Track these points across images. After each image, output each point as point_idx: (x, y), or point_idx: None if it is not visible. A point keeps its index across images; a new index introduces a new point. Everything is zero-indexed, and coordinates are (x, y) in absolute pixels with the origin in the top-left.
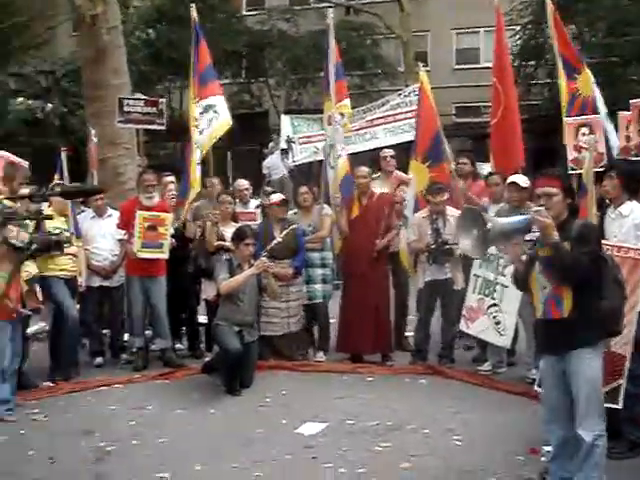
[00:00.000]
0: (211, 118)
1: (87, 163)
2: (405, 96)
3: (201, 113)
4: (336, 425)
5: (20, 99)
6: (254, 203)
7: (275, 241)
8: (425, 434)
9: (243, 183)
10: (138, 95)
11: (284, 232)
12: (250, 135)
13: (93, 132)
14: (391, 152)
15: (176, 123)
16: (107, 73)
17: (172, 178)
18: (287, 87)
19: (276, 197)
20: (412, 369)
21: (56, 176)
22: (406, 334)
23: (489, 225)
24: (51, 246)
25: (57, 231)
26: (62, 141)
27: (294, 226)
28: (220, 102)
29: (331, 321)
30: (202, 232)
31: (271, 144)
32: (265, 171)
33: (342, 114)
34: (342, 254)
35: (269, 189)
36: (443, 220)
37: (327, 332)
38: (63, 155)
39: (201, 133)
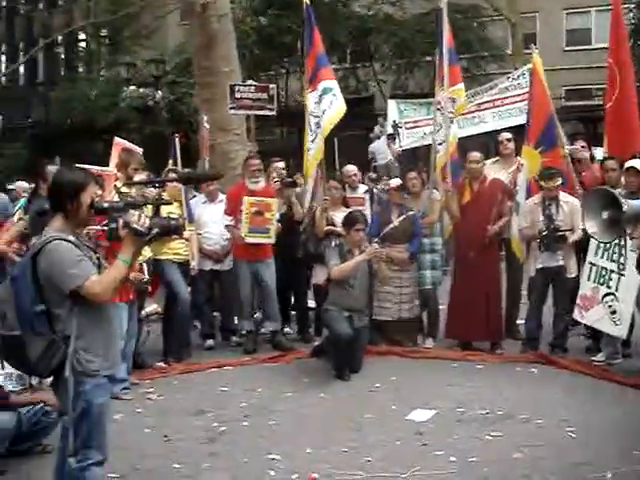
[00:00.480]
0: (331, 100)
1: (197, 149)
2: (514, 79)
3: (320, 96)
4: (446, 412)
5: (131, 87)
6: (363, 188)
7: (391, 225)
8: (537, 424)
9: (351, 169)
10: (249, 81)
11: (401, 217)
12: (356, 120)
13: (205, 118)
14: (508, 135)
15: (285, 109)
16: (217, 60)
17: (282, 164)
18: (393, 71)
19: (394, 182)
20: (523, 357)
21: (170, 161)
22: (517, 322)
23: (624, 207)
24: (171, 231)
25: (174, 216)
26: (172, 128)
27: (412, 212)
28: (336, 86)
29: (440, 307)
30: (312, 217)
31: (377, 129)
32: (370, 156)
33: (453, 99)
34: (452, 239)
35: (373, 175)
36: (556, 206)
37: (436, 318)
38: (176, 141)
39: (320, 116)
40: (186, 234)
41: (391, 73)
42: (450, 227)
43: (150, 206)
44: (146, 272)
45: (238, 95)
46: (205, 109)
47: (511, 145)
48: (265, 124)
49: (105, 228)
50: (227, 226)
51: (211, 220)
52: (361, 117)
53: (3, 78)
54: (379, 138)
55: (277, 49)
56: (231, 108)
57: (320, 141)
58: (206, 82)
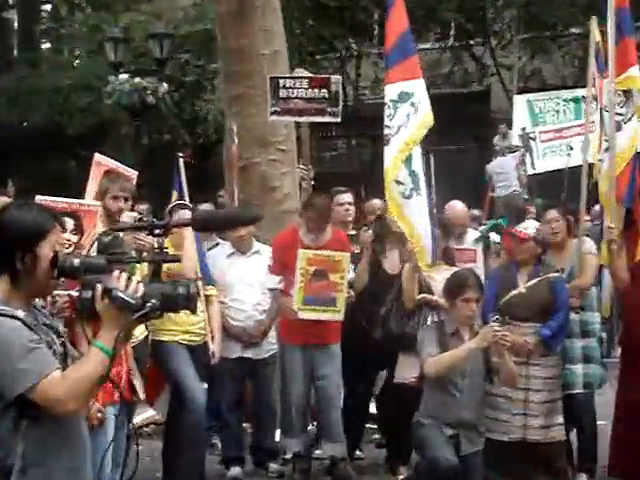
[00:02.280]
0: (408, 113)
1: (219, 172)
2: None
3: (394, 103)
4: None
5: (122, 76)
6: (473, 235)
7: (516, 291)
8: None
9: (459, 208)
10: (300, 71)
11: (533, 280)
12: (462, 127)
13: (234, 127)
14: None
15: (354, 110)
16: (255, 37)
17: (348, 196)
18: (521, 52)
19: (528, 226)
20: None
21: (174, 193)
22: None
23: None
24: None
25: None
26: (183, 135)
27: (554, 274)
28: (419, 88)
29: (600, 423)
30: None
31: (497, 139)
32: (488, 180)
33: (626, 92)
34: (618, 317)
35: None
36: None
37: (593, 444)
38: (180, 164)
39: (394, 134)
40: (202, 302)
41: (518, 55)
42: (613, 296)
43: (146, 264)
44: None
45: (284, 92)
46: (234, 112)
47: None
48: (324, 133)
49: (77, 294)
50: (271, 291)
51: (242, 281)
52: (471, 122)
53: None
54: (503, 154)
55: (342, 24)
56: (273, 113)
57: (392, 166)
58: (235, 71)
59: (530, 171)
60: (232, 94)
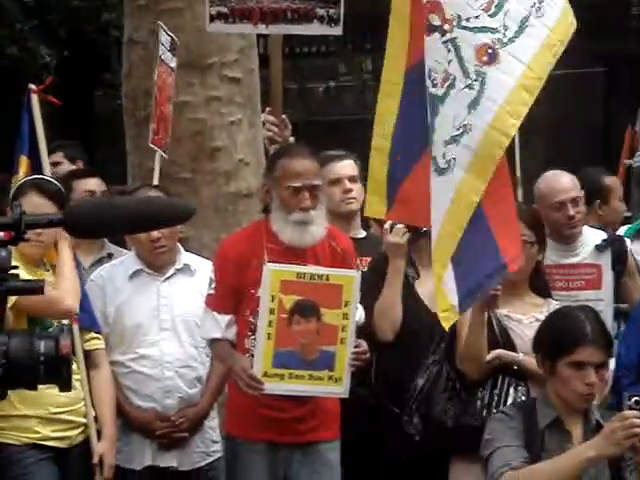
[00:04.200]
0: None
1: (113, 119)
2: None
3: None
4: None
5: None
6: (591, 238)
7: None
8: None
9: (564, 179)
10: None
11: None
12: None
13: (165, 38)
14: None
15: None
16: None
17: (351, 166)
18: None
19: None
20: None
21: (22, 159)
22: None
23: None
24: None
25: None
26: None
27: None
28: None
29: None
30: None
31: None
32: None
33: None
34: None
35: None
36: None
37: None
38: (33, 100)
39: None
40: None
41: None
42: None
43: None
44: None
45: None
46: (140, 5)
47: None
48: (310, 49)
49: None
50: (213, 343)
51: (155, 323)
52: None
53: None
54: None
55: None
56: (215, 18)
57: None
58: None
59: None
60: None
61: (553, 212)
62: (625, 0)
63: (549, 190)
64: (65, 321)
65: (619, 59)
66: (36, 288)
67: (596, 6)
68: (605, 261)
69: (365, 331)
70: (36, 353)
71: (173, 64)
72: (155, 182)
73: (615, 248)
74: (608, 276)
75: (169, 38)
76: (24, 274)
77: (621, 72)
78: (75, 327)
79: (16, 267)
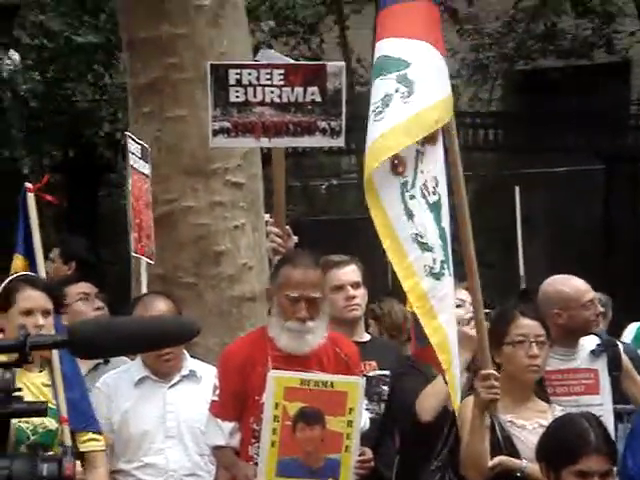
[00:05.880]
0: (389, 93)
1: (111, 219)
2: None
3: (377, 71)
4: None
5: None
6: (587, 343)
7: None
8: None
9: (577, 283)
10: (269, 54)
11: None
12: (574, 128)
13: (143, 142)
14: None
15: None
16: None
17: (354, 271)
18: None
19: None
20: None
21: (16, 257)
22: None
23: None
24: None
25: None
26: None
27: None
28: (427, 59)
29: None
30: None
31: None
32: None
33: None
34: None
35: None
36: None
37: None
38: (29, 201)
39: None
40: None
41: None
42: None
43: None
44: None
45: (238, 94)
46: (144, 113)
47: None
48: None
49: None
50: (217, 450)
51: (161, 430)
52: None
53: None
54: None
55: None
56: (218, 132)
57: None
58: (143, 39)
59: None
60: (140, 82)
61: (584, 311)
62: (624, 100)
63: (576, 292)
64: (68, 442)
65: (618, 157)
66: (40, 410)
67: (596, 106)
68: (601, 366)
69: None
70: (38, 477)
71: (147, 171)
72: (144, 290)
73: (610, 353)
74: (605, 381)
75: (139, 146)
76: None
77: (618, 169)
78: (65, 428)
79: (20, 389)
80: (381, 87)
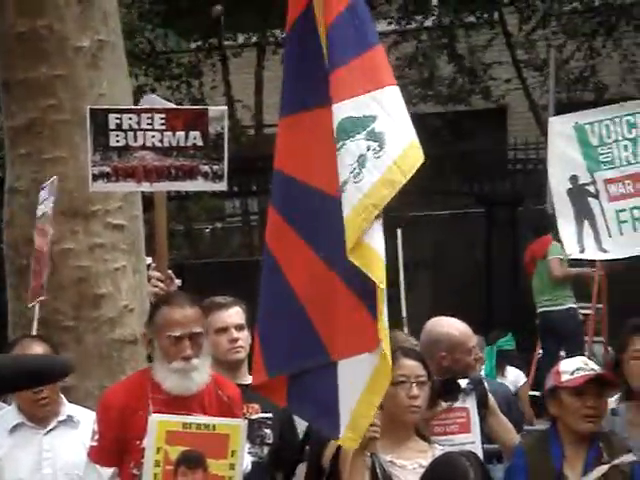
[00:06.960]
0: (363, 153)
1: None
2: None
3: (341, 139)
4: None
5: None
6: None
7: None
8: None
9: (460, 326)
10: (151, 99)
11: (603, 467)
12: (454, 172)
13: (19, 182)
14: None
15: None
16: (60, 11)
17: (238, 313)
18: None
19: (581, 365)
20: None
21: None
22: None
23: None
24: None
25: None
26: None
27: (629, 458)
28: (389, 105)
29: None
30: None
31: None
32: None
33: None
34: None
35: None
36: None
37: None
38: None
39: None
40: None
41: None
42: None
43: None
44: None
45: (118, 138)
46: (20, 155)
47: None
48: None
49: None
50: None
51: (35, 479)
52: (470, 166)
53: None
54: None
55: None
56: (97, 177)
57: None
58: (21, 80)
59: (595, 256)
60: (16, 123)
61: (467, 356)
62: (502, 145)
63: (463, 336)
64: None
65: (497, 201)
66: None
67: (475, 150)
68: (471, 404)
69: None
70: None
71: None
72: (33, 332)
73: (478, 392)
74: (475, 419)
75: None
76: None
77: (498, 213)
78: None
79: None
80: (353, 149)
